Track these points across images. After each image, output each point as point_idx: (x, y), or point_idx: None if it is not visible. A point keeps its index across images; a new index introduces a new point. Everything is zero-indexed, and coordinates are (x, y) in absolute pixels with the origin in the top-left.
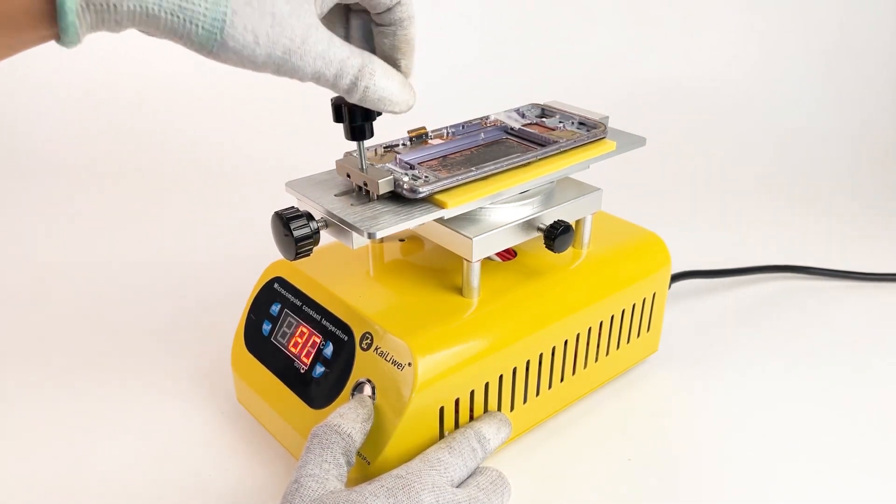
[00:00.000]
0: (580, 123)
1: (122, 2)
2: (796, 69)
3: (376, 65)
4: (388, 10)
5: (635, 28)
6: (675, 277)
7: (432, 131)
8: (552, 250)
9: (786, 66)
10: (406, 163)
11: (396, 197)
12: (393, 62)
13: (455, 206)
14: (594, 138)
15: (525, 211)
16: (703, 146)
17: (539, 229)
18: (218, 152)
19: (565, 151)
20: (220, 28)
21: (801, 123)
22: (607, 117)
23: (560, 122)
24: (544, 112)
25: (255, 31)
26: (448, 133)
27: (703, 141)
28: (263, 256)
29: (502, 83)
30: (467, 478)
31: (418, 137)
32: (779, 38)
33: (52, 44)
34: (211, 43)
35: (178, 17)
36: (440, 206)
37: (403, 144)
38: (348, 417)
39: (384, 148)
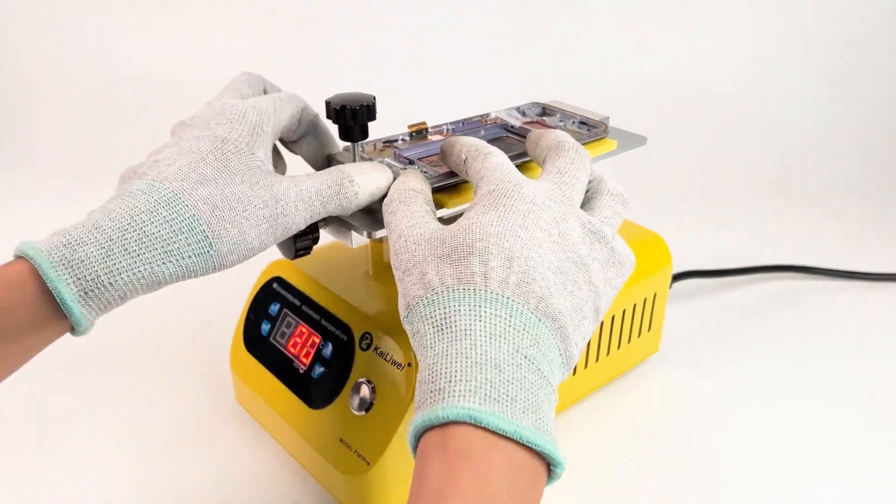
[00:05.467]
0: (581, 123)
1: (114, 278)
2: (798, 69)
3: (347, 170)
4: (299, 122)
5: (636, 28)
6: (676, 277)
7: (432, 127)
8: None
9: (787, 66)
10: (405, 158)
11: None
12: (324, 154)
13: (454, 205)
14: (595, 137)
15: None
16: (703, 146)
17: None
18: None
19: None
20: (208, 243)
21: (802, 123)
22: (608, 117)
23: (561, 121)
24: (545, 111)
25: (233, 224)
26: (448, 129)
27: (703, 140)
28: (263, 256)
29: (503, 82)
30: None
31: (418, 133)
32: (780, 37)
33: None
34: (209, 262)
35: (169, 260)
36: (439, 205)
37: (403, 139)
38: (408, 177)
39: (383, 143)
